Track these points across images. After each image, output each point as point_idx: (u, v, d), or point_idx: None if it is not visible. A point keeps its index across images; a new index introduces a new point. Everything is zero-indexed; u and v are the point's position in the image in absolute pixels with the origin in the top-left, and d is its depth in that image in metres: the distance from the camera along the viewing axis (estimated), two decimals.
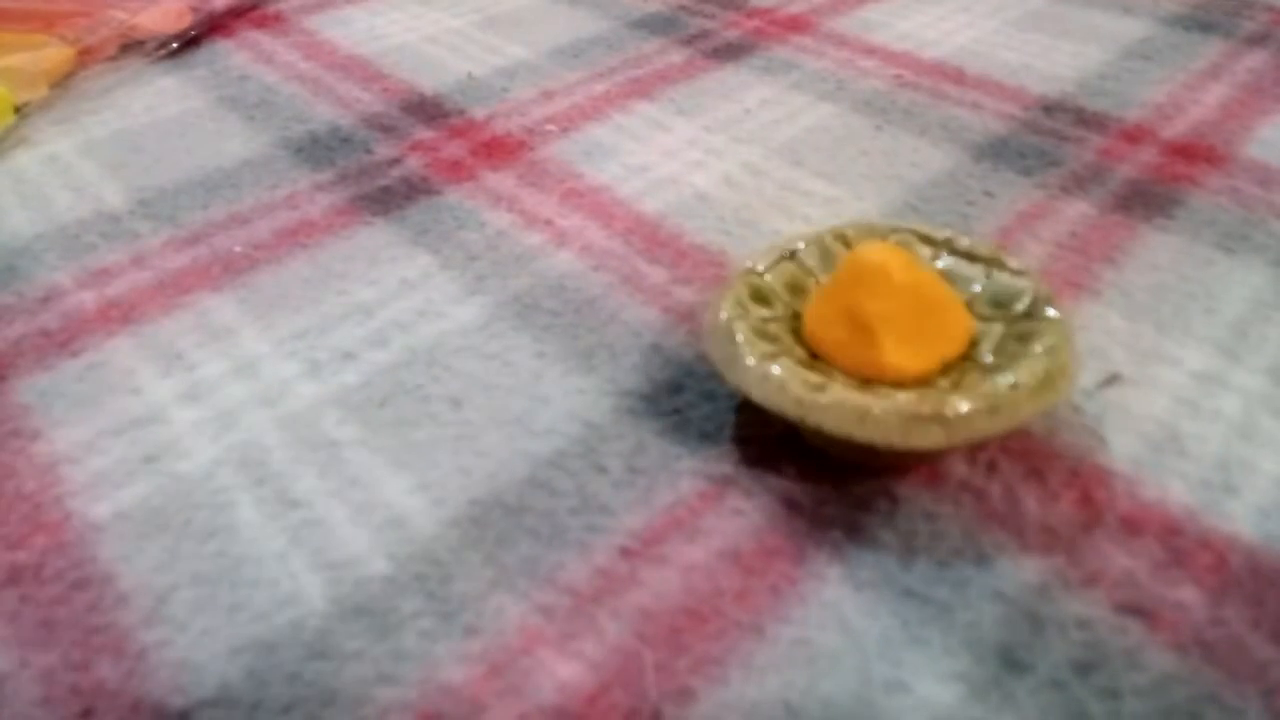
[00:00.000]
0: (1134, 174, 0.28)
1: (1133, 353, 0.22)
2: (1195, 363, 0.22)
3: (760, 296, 0.20)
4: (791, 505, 0.19)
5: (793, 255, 0.21)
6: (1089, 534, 0.18)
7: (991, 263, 0.21)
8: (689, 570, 0.17)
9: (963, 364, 0.19)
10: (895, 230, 0.22)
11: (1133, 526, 0.18)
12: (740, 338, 0.19)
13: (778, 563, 0.17)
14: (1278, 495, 0.18)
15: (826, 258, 0.21)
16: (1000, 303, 0.20)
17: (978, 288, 0.20)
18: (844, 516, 0.18)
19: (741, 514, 0.18)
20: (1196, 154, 0.29)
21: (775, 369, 0.18)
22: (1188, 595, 0.17)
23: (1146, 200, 0.27)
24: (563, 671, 0.16)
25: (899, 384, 0.18)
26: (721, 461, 0.19)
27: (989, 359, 0.19)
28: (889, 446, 0.17)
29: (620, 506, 0.19)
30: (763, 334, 0.19)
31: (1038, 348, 0.18)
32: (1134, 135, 0.30)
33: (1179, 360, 0.22)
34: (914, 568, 0.17)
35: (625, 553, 0.18)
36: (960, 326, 0.19)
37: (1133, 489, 0.19)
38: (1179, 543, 0.18)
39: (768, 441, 0.20)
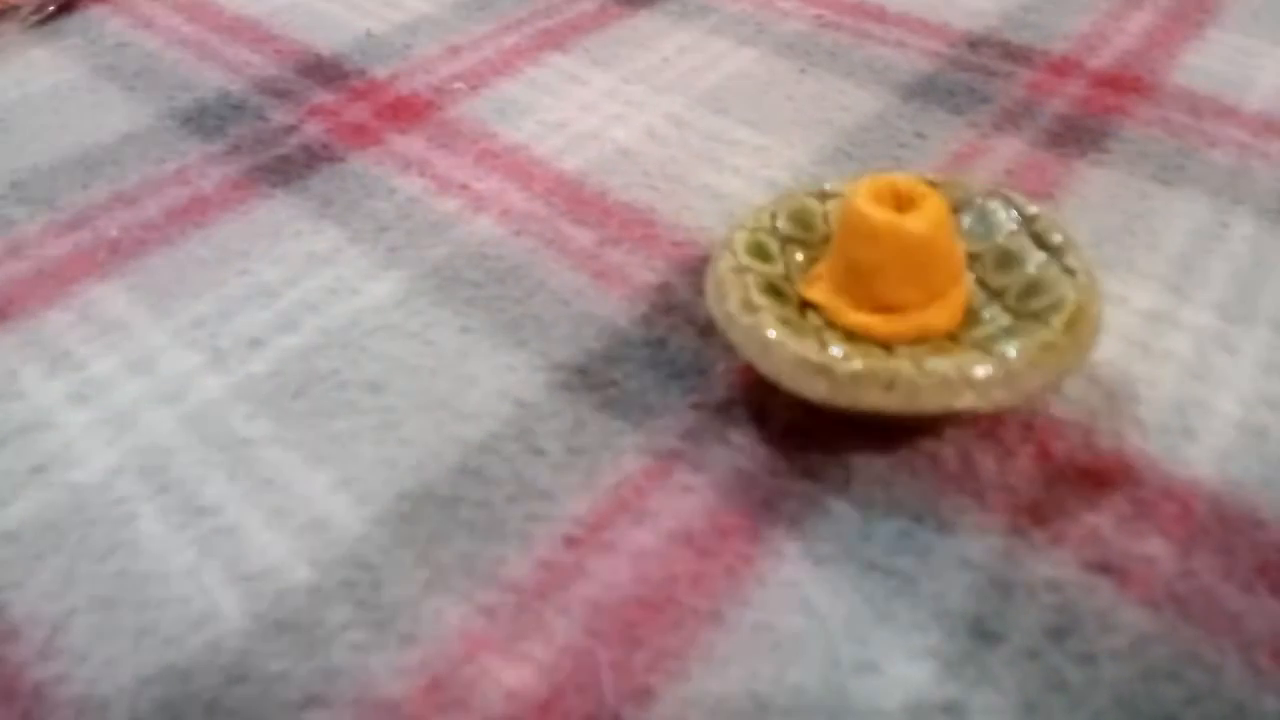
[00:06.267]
0: (1064, 108, 0.27)
1: None
2: (1142, 301, 0.21)
3: (761, 251, 0.19)
4: (742, 478, 0.18)
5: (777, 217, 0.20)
6: (1050, 490, 0.17)
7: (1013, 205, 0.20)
8: (639, 556, 0.16)
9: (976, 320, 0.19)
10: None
11: (1094, 480, 0.17)
12: (772, 331, 0.17)
13: (732, 542, 0.16)
14: (1237, 436, 0.18)
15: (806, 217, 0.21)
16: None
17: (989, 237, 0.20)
18: (797, 488, 0.17)
19: (691, 490, 0.17)
20: (1124, 85, 0.28)
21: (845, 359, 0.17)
22: (1155, 548, 0.16)
23: (1079, 135, 0.26)
24: (510, 678, 0.15)
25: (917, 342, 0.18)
26: (666, 434, 0.18)
27: (1000, 319, 0.18)
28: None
29: (561, 491, 0.17)
30: (772, 291, 0.18)
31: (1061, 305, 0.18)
32: (1061, 68, 0.29)
33: (1125, 299, 0.21)
34: (874, 538, 0.16)
35: (570, 541, 0.17)
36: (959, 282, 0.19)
37: (1090, 440, 0.18)
38: (1142, 494, 0.17)
39: (712, 410, 0.19)
